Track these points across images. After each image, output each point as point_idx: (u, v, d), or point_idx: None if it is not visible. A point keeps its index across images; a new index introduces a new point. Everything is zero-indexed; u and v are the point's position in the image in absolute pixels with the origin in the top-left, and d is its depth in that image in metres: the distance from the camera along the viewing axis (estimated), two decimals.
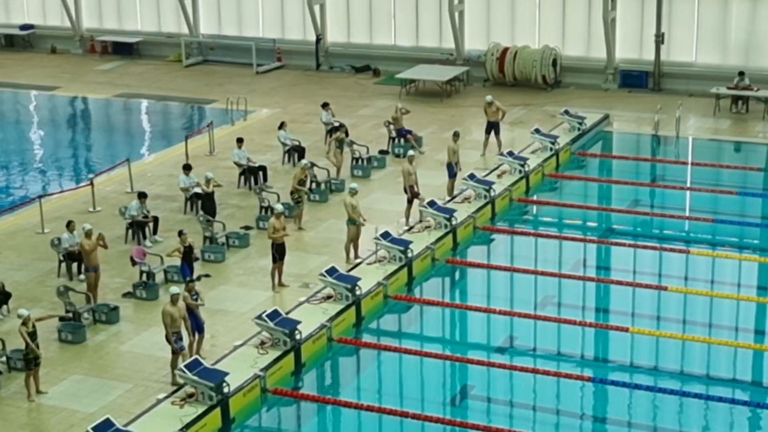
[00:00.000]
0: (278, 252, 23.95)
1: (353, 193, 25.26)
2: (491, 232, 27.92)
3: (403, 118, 33.15)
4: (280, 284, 24.12)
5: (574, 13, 40.77)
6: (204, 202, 27.29)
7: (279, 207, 24.73)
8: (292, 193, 27.19)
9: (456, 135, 29.38)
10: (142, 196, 27.03)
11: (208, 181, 27.19)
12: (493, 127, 32.48)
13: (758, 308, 23.96)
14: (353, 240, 25.37)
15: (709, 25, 39.22)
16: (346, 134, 32.58)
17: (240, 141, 30.75)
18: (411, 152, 28.13)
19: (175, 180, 29.36)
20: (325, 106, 33.98)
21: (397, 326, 23.88)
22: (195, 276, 22.95)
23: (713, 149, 34.22)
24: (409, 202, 27.26)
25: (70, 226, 24.97)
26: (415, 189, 27.24)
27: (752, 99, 36.86)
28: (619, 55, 40.23)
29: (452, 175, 28.87)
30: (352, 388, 21.37)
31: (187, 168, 28.69)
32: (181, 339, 20.17)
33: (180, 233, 23.65)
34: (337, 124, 33.28)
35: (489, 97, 32.56)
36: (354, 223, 25.18)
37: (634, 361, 22.01)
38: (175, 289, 20.26)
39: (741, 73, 36.92)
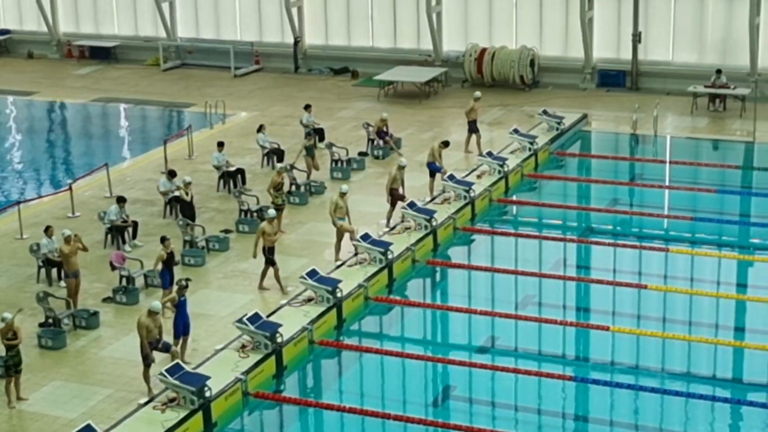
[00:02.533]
0: (270, 255, 23.89)
1: (342, 194, 25.31)
2: (471, 233, 27.96)
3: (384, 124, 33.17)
4: (263, 288, 24.05)
5: (551, 14, 40.86)
6: (183, 206, 27.21)
7: (271, 212, 24.60)
8: (274, 197, 27.04)
9: (446, 144, 29.38)
10: (121, 200, 26.92)
11: (187, 185, 27.09)
12: (473, 125, 32.61)
13: (738, 305, 24.06)
14: (340, 240, 25.37)
15: (686, 24, 39.39)
16: (321, 138, 32.63)
17: (221, 145, 30.68)
18: (402, 161, 27.75)
19: (154, 184, 29.25)
20: (307, 107, 33.92)
21: (378, 328, 23.88)
22: (176, 281, 22.79)
23: (691, 147, 34.35)
24: (392, 204, 27.22)
25: (48, 231, 24.86)
26: (400, 192, 27.19)
27: (729, 97, 37.00)
28: (597, 55, 40.34)
29: (433, 175, 28.90)
30: (334, 391, 21.34)
31: (171, 174, 28.44)
32: (156, 348, 20.02)
33: (163, 240, 23.23)
34: (317, 126, 33.28)
35: (478, 93, 32.78)
36: (342, 221, 25.21)
37: (615, 359, 22.07)
38: (156, 304, 20.03)
39: (718, 72, 37.06)
